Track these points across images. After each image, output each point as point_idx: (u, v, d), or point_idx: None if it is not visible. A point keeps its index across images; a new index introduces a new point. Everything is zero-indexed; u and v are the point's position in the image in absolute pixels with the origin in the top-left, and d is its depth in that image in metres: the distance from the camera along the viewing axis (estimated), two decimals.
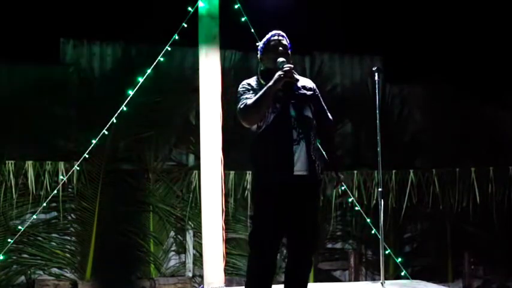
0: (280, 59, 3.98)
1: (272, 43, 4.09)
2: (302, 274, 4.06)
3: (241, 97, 3.98)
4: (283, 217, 3.90)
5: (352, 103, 9.42)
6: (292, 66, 3.93)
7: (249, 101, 3.90)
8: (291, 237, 4.01)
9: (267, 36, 4.16)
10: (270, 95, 3.87)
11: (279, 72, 3.89)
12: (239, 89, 4.05)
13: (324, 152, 4.20)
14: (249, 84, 4.05)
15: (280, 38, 4.11)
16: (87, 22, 9.07)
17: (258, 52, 4.20)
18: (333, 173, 4.29)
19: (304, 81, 4.14)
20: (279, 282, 4.40)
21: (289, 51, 4.10)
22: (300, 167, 3.89)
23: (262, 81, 4.02)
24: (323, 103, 4.21)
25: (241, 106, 3.93)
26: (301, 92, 4.05)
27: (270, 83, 3.87)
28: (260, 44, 4.19)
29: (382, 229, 5.61)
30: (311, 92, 4.11)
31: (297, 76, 4.04)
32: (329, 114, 4.21)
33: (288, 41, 4.14)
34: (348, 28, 9.78)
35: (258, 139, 3.96)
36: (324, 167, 4.09)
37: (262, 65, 4.16)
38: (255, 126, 3.96)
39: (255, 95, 3.92)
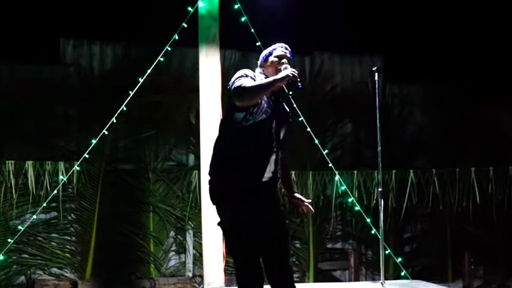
0: (285, 65, 3.99)
1: (278, 53, 4.11)
2: (287, 278, 4.03)
3: (241, 77, 3.95)
4: (258, 222, 3.88)
5: (352, 103, 9.42)
6: (297, 72, 3.94)
7: (251, 84, 3.88)
8: (265, 244, 3.94)
9: (273, 46, 4.18)
10: (272, 87, 3.87)
11: (288, 71, 3.90)
12: (241, 71, 4.02)
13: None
14: (250, 72, 4.04)
15: (286, 51, 4.14)
16: (87, 22, 9.07)
17: (260, 58, 4.20)
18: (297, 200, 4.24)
19: (287, 107, 4.19)
20: None
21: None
22: (267, 175, 3.91)
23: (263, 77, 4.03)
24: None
25: (241, 85, 3.88)
26: (285, 114, 4.13)
27: (277, 77, 3.88)
28: (265, 52, 4.19)
29: (382, 229, 5.61)
30: (290, 120, 4.19)
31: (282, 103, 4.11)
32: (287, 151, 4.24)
33: (292, 55, 4.16)
34: (348, 28, 9.77)
35: (241, 136, 3.90)
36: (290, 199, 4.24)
37: (261, 71, 4.15)
38: (241, 116, 3.91)
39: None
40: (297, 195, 4.28)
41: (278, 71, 3.99)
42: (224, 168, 3.93)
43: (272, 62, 4.10)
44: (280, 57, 4.09)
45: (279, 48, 4.13)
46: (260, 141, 3.91)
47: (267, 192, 3.94)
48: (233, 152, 3.91)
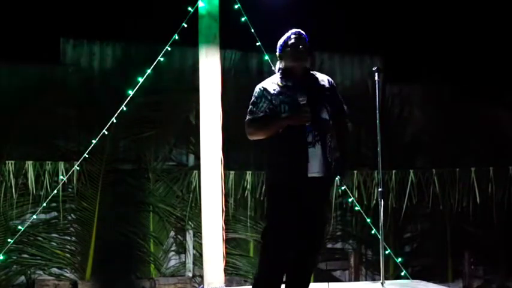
0: (301, 98, 3.95)
1: (292, 41, 4.11)
2: (306, 270, 4.11)
3: (252, 109, 4.03)
4: (295, 215, 3.94)
5: (352, 103, 9.38)
6: (309, 112, 3.92)
7: (256, 122, 4.00)
8: (301, 234, 4.03)
9: (287, 34, 4.18)
10: (276, 128, 3.96)
11: (297, 121, 3.93)
12: (254, 94, 4.08)
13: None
14: (265, 90, 4.04)
15: (299, 35, 4.14)
16: (87, 22, 9.07)
17: (277, 50, 4.22)
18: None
19: (321, 79, 4.16)
20: None
21: (308, 49, 4.14)
22: (314, 169, 3.93)
23: (281, 83, 4.03)
24: (340, 97, 4.26)
25: (248, 122, 4.05)
26: (319, 92, 4.10)
27: (282, 121, 3.94)
28: (280, 42, 4.20)
29: (382, 229, 5.61)
30: (328, 93, 4.15)
31: (315, 73, 4.15)
32: (345, 107, 4.27)
33: (307, 39, 4.17)
34: (348, 28, 9.77)
35: (273, 141, 4.00)
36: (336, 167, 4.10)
37: (281, 63, 4.18)
38: None
39: (264, 114, 3.98)
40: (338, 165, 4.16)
41: (294, 59, 4.05)
42: (266, 175, 4.19)
43: (288, 52, 4.10)
44: (294, 45, 4.08)
45: (293, 36, 4.12)
46: (293, 143, 3.94)
47: (311, 190, 3.96)
48: (271, 159, 4.04)
